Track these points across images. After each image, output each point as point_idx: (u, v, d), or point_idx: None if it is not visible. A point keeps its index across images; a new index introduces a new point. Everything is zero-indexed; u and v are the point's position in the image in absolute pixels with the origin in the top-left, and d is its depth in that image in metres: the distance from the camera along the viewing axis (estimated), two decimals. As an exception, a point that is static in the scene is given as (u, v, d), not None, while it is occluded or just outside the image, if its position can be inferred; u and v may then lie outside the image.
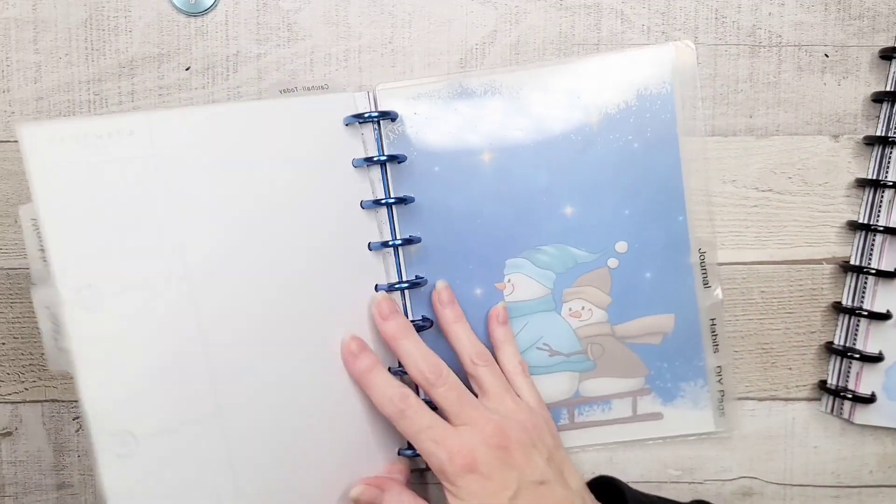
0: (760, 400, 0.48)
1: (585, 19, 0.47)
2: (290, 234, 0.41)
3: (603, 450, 0.48)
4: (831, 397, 0.48)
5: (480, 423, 0.40)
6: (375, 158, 0.45)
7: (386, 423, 0.43)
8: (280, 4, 0.46)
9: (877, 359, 0.46)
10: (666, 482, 0.48)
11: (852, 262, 0.47)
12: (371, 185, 0.45)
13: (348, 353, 0.42)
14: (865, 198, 0.47)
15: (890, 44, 0.46)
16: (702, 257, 0.46)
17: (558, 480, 0.41)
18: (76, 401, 0.47)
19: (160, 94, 0.47)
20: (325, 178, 0.44)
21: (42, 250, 0.36)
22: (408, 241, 0.46)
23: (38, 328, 0.48)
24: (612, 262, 0.46)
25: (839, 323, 0.48)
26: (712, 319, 0.47)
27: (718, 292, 0.47)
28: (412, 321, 0.45)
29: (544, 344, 0.47)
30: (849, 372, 0.47)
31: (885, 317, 0.46)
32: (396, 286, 0.45)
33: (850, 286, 0.47)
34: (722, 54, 0.47)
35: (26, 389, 0.48)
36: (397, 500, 0.41)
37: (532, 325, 0.47)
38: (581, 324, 0.47)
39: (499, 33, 0.47)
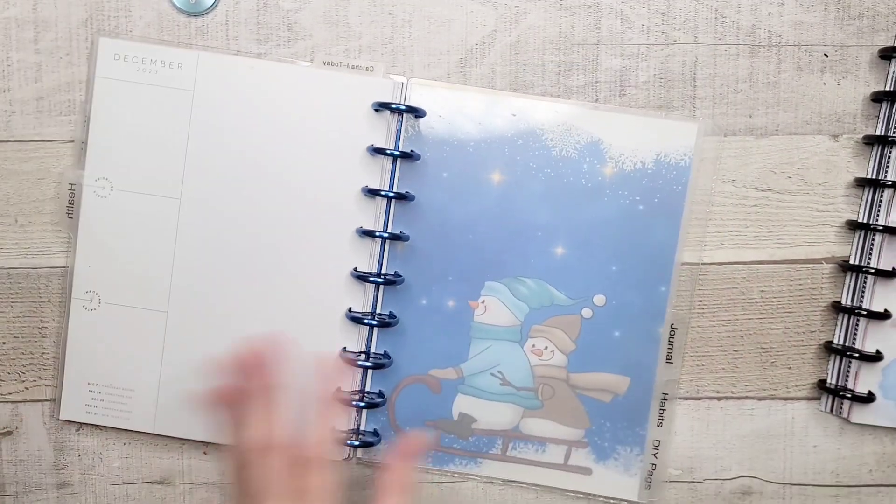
0: (760, 399, 0.48)
1: (585, 19, 0.47)
2: (287, 196, 0.46)
3: (539, 491, 0.48)
4: (830, 396, 0.48)
5: None
6: (388, 152, 0.45)
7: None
8: (280, 4, 0.46)
9: (875, 358, 0.46)
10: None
11: (851, 262, 0.47)
12: (381, 171, 0.46)
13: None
14: (865, 197, 0.47)
15: (889, 43, 0.46)
16: (672, 333, 0.47)
17: None
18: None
19: (160, 94, 0.47)
20: (340, 154, 0.46)
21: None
22: (395, 237, 0.46)
23: (38, 328, 0.48)
24: (587, 312, 0.47)
25: (838, 322, 0.48)
26: (665, 394, 0.47)
27: (678, 370, 0.47)
28: (379, 315, 0.46)
29: (499, 372, 0.47)
30: (848, 371, 0.47)
31: (884, 316, 0.46)
32: (371, 278, 0.46)
33: (849, 285, 0.47)
34: (722, 54, 0.47)
35: (26, 389, 0.48)
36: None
37: (493, 351, 0.47)
38: (540, 362, 0.47)
39: (499, 33, 0.47)
